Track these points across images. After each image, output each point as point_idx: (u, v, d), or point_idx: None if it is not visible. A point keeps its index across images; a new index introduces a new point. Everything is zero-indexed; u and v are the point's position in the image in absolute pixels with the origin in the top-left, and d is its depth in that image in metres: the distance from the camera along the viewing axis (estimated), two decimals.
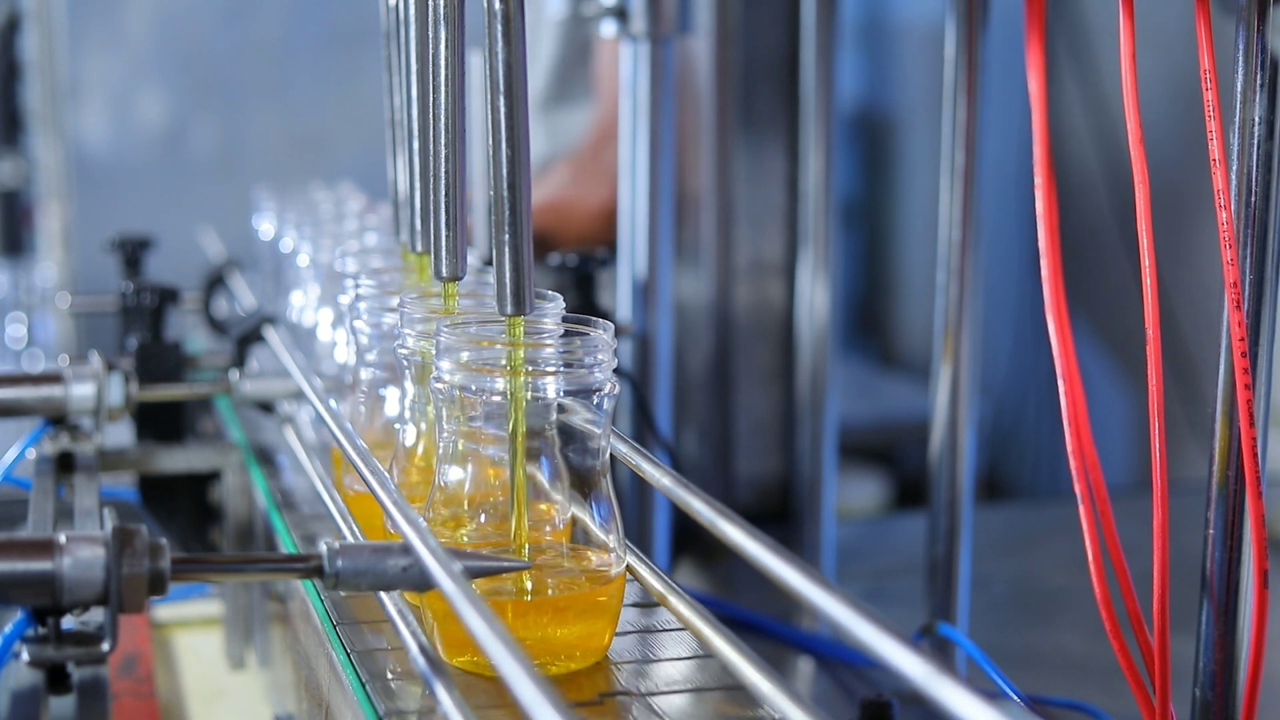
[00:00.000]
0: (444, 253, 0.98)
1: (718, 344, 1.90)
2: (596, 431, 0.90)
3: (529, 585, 0.90)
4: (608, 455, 0.91)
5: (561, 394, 0.88)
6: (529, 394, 0.88)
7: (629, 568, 0.94)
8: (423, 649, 0.86)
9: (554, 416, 0.89)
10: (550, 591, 0.90)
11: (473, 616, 0.72)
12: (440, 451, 0.92)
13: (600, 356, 0.88)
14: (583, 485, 0.90)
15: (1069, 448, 1.03)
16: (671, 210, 1.52)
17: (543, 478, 0.89)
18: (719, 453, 1.92)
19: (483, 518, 0.91)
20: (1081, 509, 1.03)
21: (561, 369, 0.88)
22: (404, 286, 1.12)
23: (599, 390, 0.88)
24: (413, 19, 1.02)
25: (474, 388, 0.88)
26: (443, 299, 1.01)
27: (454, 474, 0.91)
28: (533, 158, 0.90)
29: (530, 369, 0.87)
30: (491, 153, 0.90)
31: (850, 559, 1.75)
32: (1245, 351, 0.94)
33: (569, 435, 0.89)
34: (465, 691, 0.83)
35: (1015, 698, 1.16)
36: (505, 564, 0.89)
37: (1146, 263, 0.98)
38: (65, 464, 1.27)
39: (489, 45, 0.89)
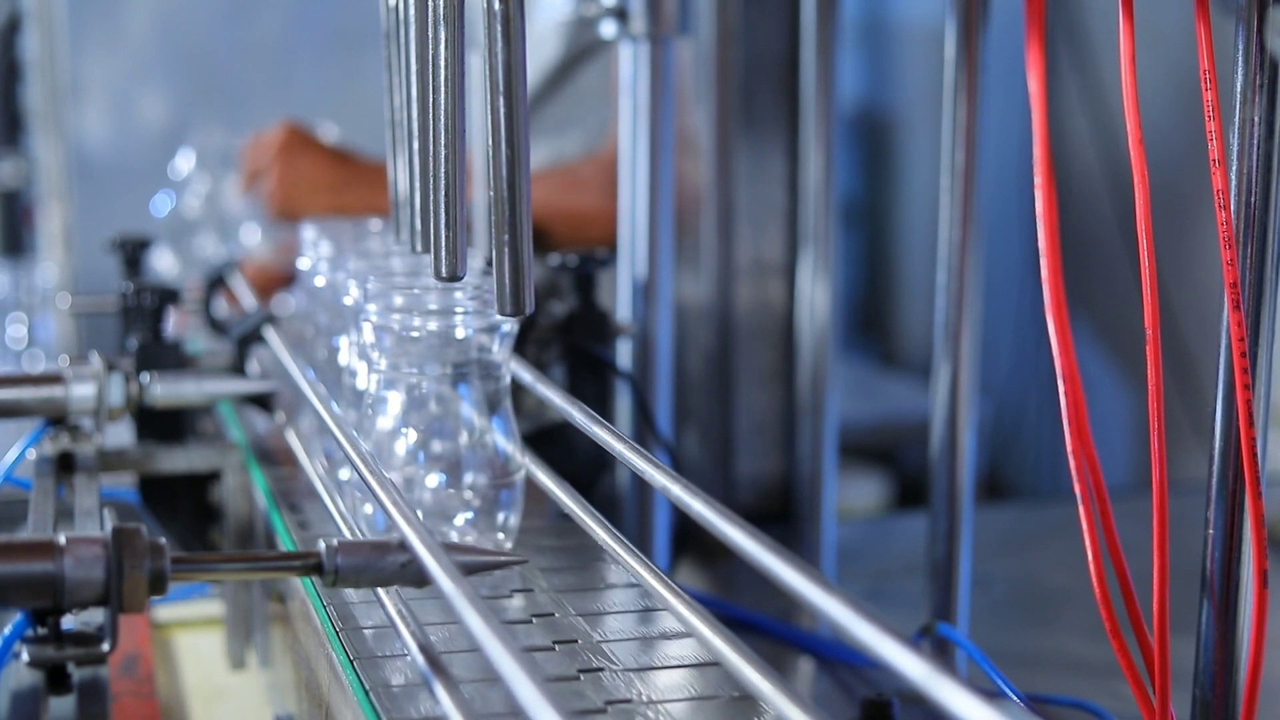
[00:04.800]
0: (444, 253, 0.98)
1: (718, 344, 1.90)
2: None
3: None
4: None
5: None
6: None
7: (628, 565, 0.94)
8: (422, 647, 0.87)
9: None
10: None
11: (471, 614, 0.72)
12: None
13: None
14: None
15: (1069, 448, 1.03)
16: (671, 210, 1.52)
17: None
18: (719, 453, 1.92)
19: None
20: (1081, 509, 1.03)
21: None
22: None
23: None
24: (413, 19, 1.02)
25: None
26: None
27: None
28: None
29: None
30: (491, 153, 0.90)
31: (850, 559, 1.75)
32: (1245, 351, 0.94)
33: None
34: None
35: (1015, 698, 1.16)
36: (502, 559, 0.90)
37: (1146, 263, 0.98)
38: (65, 464, 1.27)
39: (489, 45, 0.89)
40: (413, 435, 1.09)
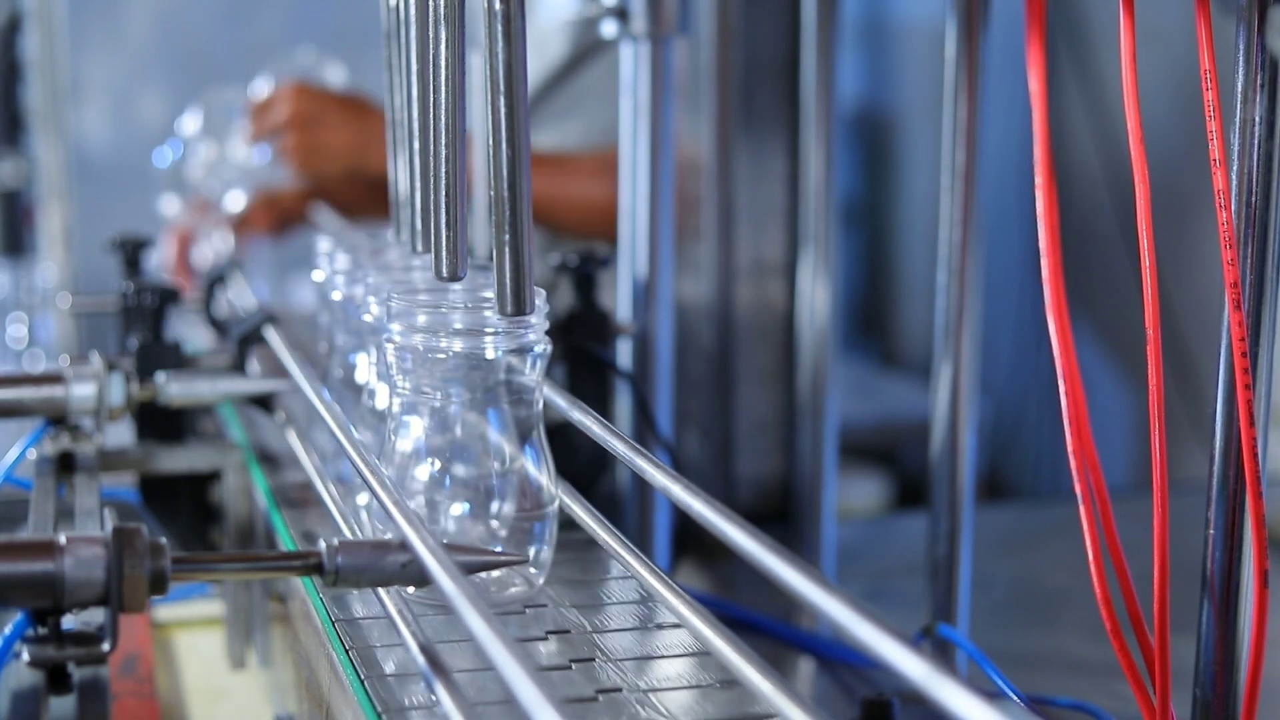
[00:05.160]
0: (444, 253, 0.98)
1: (718, 344, 1.90)
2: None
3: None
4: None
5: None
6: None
7: (628, 566, 0.94)
8: (422, 648, 0.87)
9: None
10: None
11: (471, 614, 0.72)
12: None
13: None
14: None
15: (1069, 448, 1.03)
16: (672, 210, 1.52)
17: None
18: (719, 453, 1.92)
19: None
20: (1082, 509, 1.03)
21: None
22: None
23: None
24: (413, 19, 1.02)
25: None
26: None
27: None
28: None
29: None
30: (491, 153, 0.90)
31: (850, 559, 1.75)
32: (1245, 351, 0.94)
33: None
34: None
35: (1015, 698, 1.16)
36: (502, 558, 0.90)
37: (1147, 263, 0.98)
38: (66, 464, 1.27)
39: (489, 45, 0.89)
40: (437, 463, 1.02)
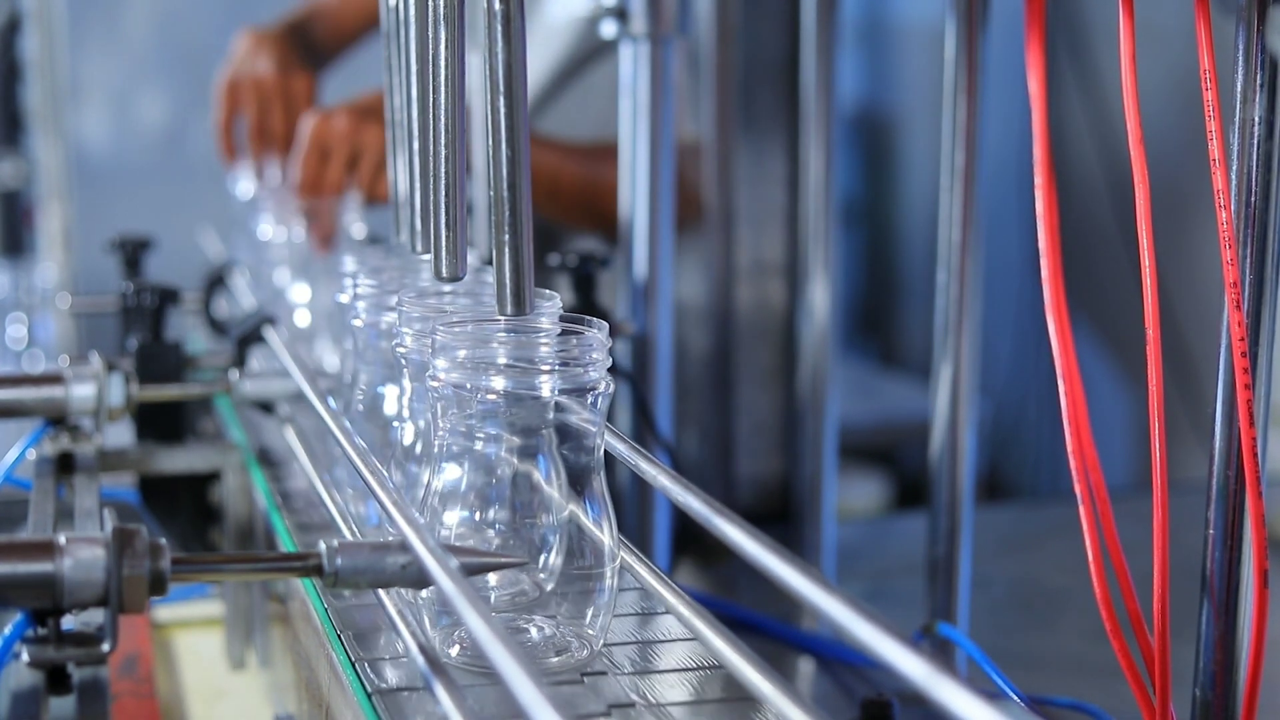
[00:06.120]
0: (444, 253, 0.98)
1: (718, 344, 1.90)
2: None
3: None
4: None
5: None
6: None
7: (627, 565, 0.94)
8: (422, 648, 0.87)
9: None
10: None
11: (471, 615, 0.72)
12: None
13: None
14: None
15: (1069, 448, 1.03)
16: (672, 210, 1.52)
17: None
18: (719, 453, 1.92)
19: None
20: (1082, 509, 1.03)
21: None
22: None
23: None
24: (413, 19, 1.02)
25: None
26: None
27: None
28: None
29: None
30: (491, 153, 0.90)
31: (850, 559, 1.75)
32: (1245, 351, 0.94)
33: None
34: None
35: (1015, 698, 1.16)
36: (503, 560, 0.90)
37: (1146, 263, 0.98)
38: (65, 464, 1.27)
39: (489, 45, 0.89)
40: (479, 516, 0.90)
